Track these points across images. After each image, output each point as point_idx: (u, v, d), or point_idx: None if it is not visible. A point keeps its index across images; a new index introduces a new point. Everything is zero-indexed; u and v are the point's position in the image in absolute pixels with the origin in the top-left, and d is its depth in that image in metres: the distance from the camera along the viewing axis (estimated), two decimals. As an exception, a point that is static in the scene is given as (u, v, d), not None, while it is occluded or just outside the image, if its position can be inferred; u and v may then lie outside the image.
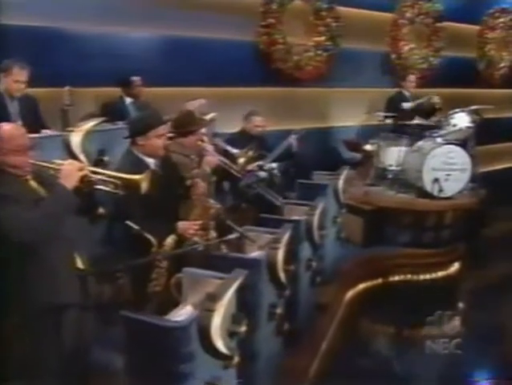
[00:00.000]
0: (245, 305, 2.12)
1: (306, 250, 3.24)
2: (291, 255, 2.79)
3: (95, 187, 2.01)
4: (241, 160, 3.35)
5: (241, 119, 4.48)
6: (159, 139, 2.48)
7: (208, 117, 4.02)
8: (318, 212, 3.37)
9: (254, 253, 2.52)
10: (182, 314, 1.90)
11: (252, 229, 2.82)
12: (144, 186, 2.03)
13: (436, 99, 5.46)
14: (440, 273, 4.70)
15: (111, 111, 4.04)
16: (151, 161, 2.51)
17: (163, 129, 2.54)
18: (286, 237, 2.69)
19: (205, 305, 1.74)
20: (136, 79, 4.28)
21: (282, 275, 2.57)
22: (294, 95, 5.61)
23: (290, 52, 5.41)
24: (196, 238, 2.53)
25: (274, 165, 4.40)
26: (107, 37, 4.39)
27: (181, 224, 2.53)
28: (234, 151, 3.39)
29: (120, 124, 3.45)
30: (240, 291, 2.02)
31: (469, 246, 5.00)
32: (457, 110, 5.10)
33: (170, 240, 2.33)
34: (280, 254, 2.55)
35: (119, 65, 4.26)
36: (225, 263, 2.30)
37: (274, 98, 5.41)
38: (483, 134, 5.27)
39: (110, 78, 4.16)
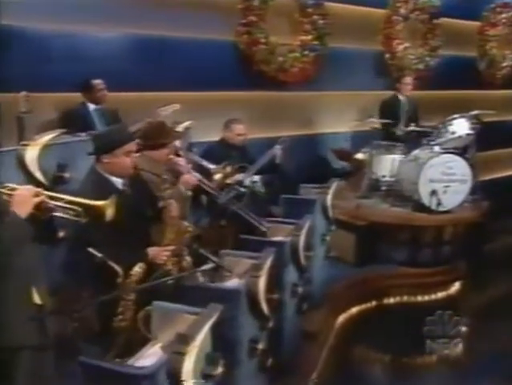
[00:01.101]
0: (223, 341, 2.10)
1: (291, 275, 3.24)
2: (274, 282, 2.78)
3: (53, 214, 1.98)
4: (218, 176, 3.35)
5: (220, 127, 4.52)
6: (127, 156, 2.47)
7: (182, 126, 4.06)
8: (304, 231, 3.38)
9: (233, 283, 2.50)
10: (150, 354, 1.88)
11: (230, 253, 2.82)
12: (110, 213, 2.00)
13: None
14: (440, 294, 4.75)
15: (73, 119, 4.02)
16: (118, 181, 2.49)
17: (131, 146, 2.52)
18: (268, 263, 2.68)
19: (175, 347, 1.72)
20: (98, 82, 4.24)
21: (264, 306, 2.56)
22: (279, 100, 5.62)
23: (274, 53, 5.42)
24: (168, 265, 2.52)
25: (257, 178, 4.47)
26: (68, 36, 4.33)
27: (152, 250, 2.51)
28: (210, 166, 3.39)
29: (83, 135, 3.42)
30: (216, 326, 2.00)
31: (470, 264, 5.05)
32: (455, 116, 5.15)
33: (138, 268, 2.31)
34: (262, 283, 2.54)
35: (82, 68, 4.23)
36: (200, 294, 2.28)
37: (256, 103, 5.42)
38: (484, 139, 5.35)
39: (71, 82, 4.13)
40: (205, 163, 3.50)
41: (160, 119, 3.50)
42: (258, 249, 2.88)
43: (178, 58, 4.86)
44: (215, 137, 4.61)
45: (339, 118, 6.10)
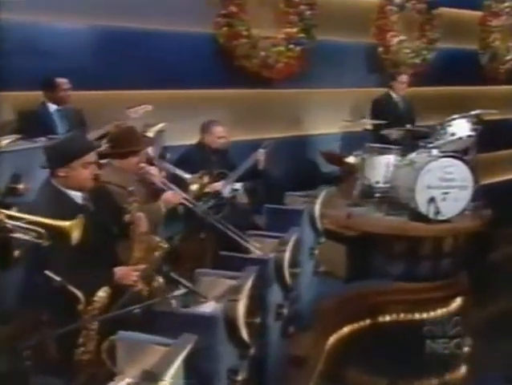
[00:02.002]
0: (198, 374, 2.07)
1: (275, 295, 3.20)
2: (256, 304, 2.75)
3: (10, 235, 1.94)
4: (195, 187, 3.33)
5: (197, 129, 4.52)
6: (86, 168, 2.44)
7: (154, 129, 4.06)
8: (290, 246, 3.35)
9: (209, 307, 2.47)
10: (116, 392, 1.84)
11: (207, 273, 2.77)
12: (76, 235, 1.97)
13: None
14: (440, 311, 4.75)
15: (32, 122, 3.96)
16: (77, 195, 2.45)
17: (90, 156, 2.49)
18: (249, 284, 2.64)
19: (141, 385, 1.69)
20: (62, 81, 4.18)
21: (244, 332, 2.52)
22: (262, 99, 5.62)
23: (256, 47, 5.40)
24: (138, 287, 2.48)
25: (239, 186, 4.53)
26: (27, 28, 4.25)
27: (119, 271, 2.48)
28: (186, 176, 3.37)
29: (43, 140, 3.36)
30: (190, 357, 1.97)
31: (473, 277, 5.10)
32: (455, 116, 5.17)
33: (102, 293, 2.27)
34: (241, 306, 2.50)
35: (42, 63, 4.16)
36: (172, 321, 2.23)
37: (237, 102, 5.41)
38: (486, 139, 5.39)
39: (30, 79, 4.06)
40: (179, 172, 3.47)
41: (129, 123, 3.45)
42: (239, 266, 2.84)
43: (150, 53, 4.82)
44: (192, 141, 4.61)
45: (329, 118, 6.09)
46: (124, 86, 4.52)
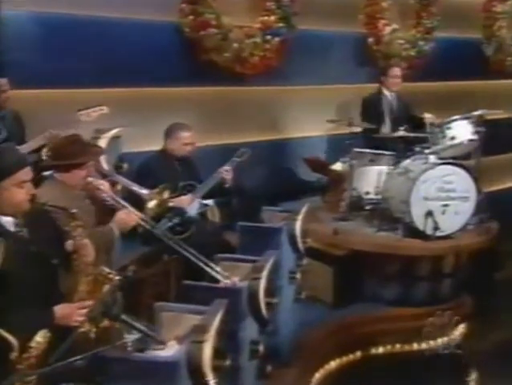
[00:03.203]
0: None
1: (249, 330, 3.18)
2: (226, 343, 2.73)
3: None
4: (152, 204, 3.28)
5: (160, 134, 4.51)
6: (20, 187, 2.38)
7: (108, 135, 4.06)
8: (266, 272, 3.32)
9: (170, 351, 2.42)
10: None
11: (168, 308, 2.73)
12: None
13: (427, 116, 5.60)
14: (441, 341, 4.77)
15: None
16: (8, 220, 2.39)
17: (25, 173, 2.43)
18: (217, 320, 2.60)
19: None
20: (1, 81, 4.10)
21: (211, 378, 2.48)
22: (235, 98, 5.62)
23: (228, 38, 5.38)
24: (85, 327, 2.42)
25: (210, 201, 4.59)
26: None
27: (61, 310, 2.43)
28: (143, 191, 3.33)
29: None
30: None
31: (478, 301, 5.11)
32: (455, 117, 5.19)
33: (40, 338, 2.20)
34: (208, 349, 2.46)
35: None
36: (126, 369, 2.20)
37: (206, 102, 5.41)
38: (492, 141, 5.41)
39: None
40: (135, 187, 3.42)
41: (74, 130, 3.39)
42: (207, 298, 2.80)
43: (104, 45, 4.78)
44: (154, 147, 4.60)
45: (312, 119, 6.10)
46: (74, 84, 4.47)
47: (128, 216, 3.10)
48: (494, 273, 5.59)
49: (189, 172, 4.51)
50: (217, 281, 3.30)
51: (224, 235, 4.63)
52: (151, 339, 2.25)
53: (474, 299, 5.14)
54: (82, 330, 2.41)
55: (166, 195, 3.44)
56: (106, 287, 2.51)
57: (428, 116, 5.68)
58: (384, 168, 5.28)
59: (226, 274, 3.18)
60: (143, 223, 3.25)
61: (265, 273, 3.30)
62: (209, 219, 4.62)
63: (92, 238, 2.64)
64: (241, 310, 3.07)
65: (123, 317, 2.13)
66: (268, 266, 3.36)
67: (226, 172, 4.52)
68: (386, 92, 5.91)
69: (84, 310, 2.43)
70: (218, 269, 3.22)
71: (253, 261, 3.39)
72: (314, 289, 4.79)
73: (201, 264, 3.20)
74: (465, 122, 5.18)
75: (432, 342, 4.73)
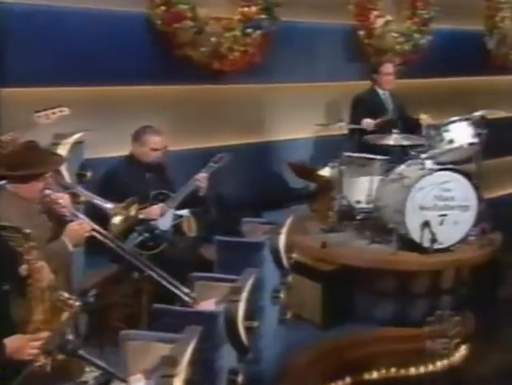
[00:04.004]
0: None
1: (227, 359, 3.15)
2: (201, 375, 2.69)
3: None
4: (118, 220, 3.25)
5: (128, 137, 4.49)
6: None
7: (70, 140, 4.03)
8: (245, 294, 3.30)
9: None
10: None
11: (135, 336, 2.68)
12: None
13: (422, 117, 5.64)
14: (440, 364, 4.76)
15: None
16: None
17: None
18: (189, 352, 2.57)
19: None
20: None
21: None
22: (213, 97, 5.61)
23: (204, 31, 5.36)
24: (40, 361, 2.37)
25: (184, 212, 4.55)
26: None
27: (12, 343, 2.39)
28: (107, 206, 3.30)
29: None
30: None
31: (480, 319, 5.10)
32: (454, 118, 5.20)
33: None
34: (178, 383, 2.42)
35: None
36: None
37: (180, 102, 5.39)
38: (494, 142, 5.39)
39: None
40: (99, 201, 3.39)
41: (29, 135, 3.35)
42: (179, 323, 2.77)
43: (63, 39, 4.72)
44: (121, 152, 4.58)
45: (298, 120, 6.11)
46: (30, 81, 4.41)
47: (80, 226, 3.05)
48: (498, 288, 5.58)
49: (161, 180, 4.49)
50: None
51: (200, 249, 4.61)
52: (111, 377, 2.21)
53: (476, 317, 5.13)
54: (37, 363, 2.38)
55: (133, 210, 3.39)
56: (65, 315, 2.45)
57: (424, 117, 5.71)
58: (377, 175, 5.27)
59: (193, 295, 3.17)
60: (98, 235, 3.20)
61: (244, 295, 3.27)
62: (183, 232, 4.58)
63: (48, 257, 2.59)
64: (218, 337, 3.04)
65: (81, 352, 2.08)
66: (248, 286, 3.34)
67: (202, 180, 4.49)
68: (378, 91, 5.92)
69: (39, 342, 2.39)
70: (186, 290, 3.18)
71: (232, 281, 3.35)
72: (300, 308, 4.81)
73: (168, 285, 3.14)
74: (464, 124, 5.19)
75: (430, 366, 4.72)
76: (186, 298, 3.18)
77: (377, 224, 5.24)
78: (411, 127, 5.81)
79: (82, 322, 3.54)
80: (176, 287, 3.23)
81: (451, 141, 5.13)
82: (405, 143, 5.42)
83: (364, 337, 4.87)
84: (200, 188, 4.49)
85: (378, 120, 5.62)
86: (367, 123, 5.61)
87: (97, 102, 4.78)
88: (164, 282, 3.24)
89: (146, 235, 3.92)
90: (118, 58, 4.90)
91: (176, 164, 4.91)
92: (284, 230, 4.18)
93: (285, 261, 4.14)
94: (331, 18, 6.29)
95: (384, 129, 5.55)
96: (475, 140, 5.19)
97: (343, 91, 6.22)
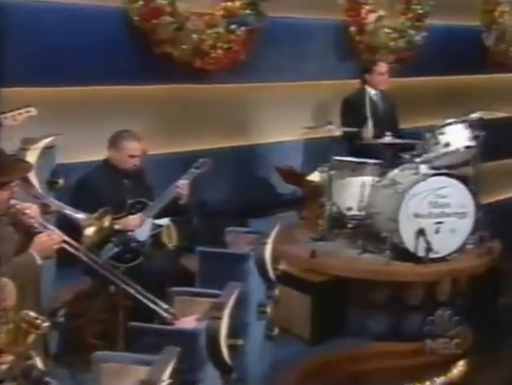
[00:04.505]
0: None
1: (209, 381, 3.13)
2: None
3: None
4: (91, 231, 3.21)
5: (104, 141, 4.44)
6: None
7: (40, 145, 3.95)
8: (228, 310, 3.28)
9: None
10: None
11: (110, 358, 2.66)
12: None
13: None
14: (438, 381, 4.77)
15: None
16: None
17: None
18: (167, 374, 2.54)
19: None
20: None
21: None
22: (195, 98, 5.59)
23: (185, 28, 5.33)
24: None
25: (164, 221, 4.49)
26: None
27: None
28: (79, 216, 3.25)
29: None
30: None
31: (479, 333, 5.10)
32: (449, 120, 5.21)
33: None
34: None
35: None
36: None
37: (160, 103, 5.38)
38: (493, 143, 5.44)
39: None
40: (70, 211, 3.35)
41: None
42: (157, 343, 2.77)
43: (36, 34, 4.65)
44: (96, 157, 4.54)
45: (285, 121, 6.10)
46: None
47: (49, 238, 3.00)
48: (498, 299, 5.58)
49: (139, 187, 4.44)
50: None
51: (182, 260, 4.60)
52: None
53: (475, 330, 5.12)
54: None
55: (107, 221, 3.35)
56: (31, 337, 2.40)
57: None
58: (369, 180, 5.28)
59: (173, 311, 3.15)
60: (69, 248, 3.16)
61: (227, 311, 3.26)
62: (163, 242, 4.54)
63: (12, 271, 2.56)
64: (199, 357, 3.03)
65: (48, 380, 2.03)
66: (231, 302, 3.33)
67: (183, 187, 4.45)
68: (370, 91, 5.92)
69: (2, 367, 2.34)
70: (165, 306, 3.14)
71: (214, 296, 3.34)
72: (288, 322, 4.82)
73: (145, 300, 3.11)
74: (461, 126, 5.21)
75: (427, 383, 4.73)
76: (165, 315, 3.12)
77: (369, 232, 5.24)
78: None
79: (52, 339, 3.49)
80: (153, 303, 3.19)
81: (447, 144, 5.14)
82: (398, 142, 5.41)
83: (356, 352, 4.87)
84: (181, 196, 4.44)
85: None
86: None
87: (70, 103, 4.74)
88: (141, 298, 3.18)
89: (122, 246, 3.91)
90: (92, 56, 4.85)
91: (155, 169, 4.88)
92: (270, 240, 4.20)
93: (271, 273, 4.15)
94: (320, 13, 6.27)
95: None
96: (472, 143, 5.19)
97: (334, 90, 6.22)
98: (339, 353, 4.81)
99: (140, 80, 5.18)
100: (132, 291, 3.25)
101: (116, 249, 3.88)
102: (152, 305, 3.19)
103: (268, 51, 5.89)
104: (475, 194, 5.15)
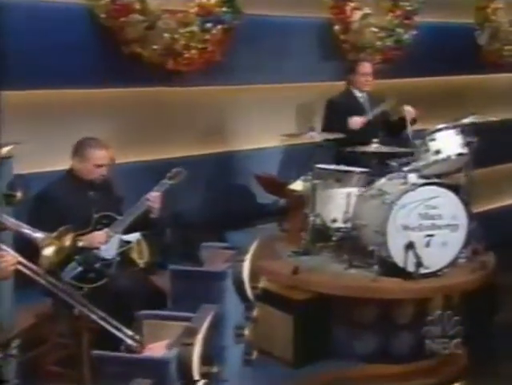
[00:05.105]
0: None
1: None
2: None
3: None
4: (50, 252, 3.15)
5: (68, 150, 4.40)
6: None
7: None
8: (202, 335, 3.20)
9: None
10: None
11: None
12: None
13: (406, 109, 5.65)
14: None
15: None
16: None
17: None
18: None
19: None
20: None
21: None
22: (167, 101, 5.57)
23: (156, 27, 5.29)
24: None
25: (133, 236, 4.45)
26: None
27: None
28: (37, 235, 3.19)
29: None
30: None
31: (474, 353, 5.10)
32: (440, 126, 5.23)
33: None
34: None
35: None
36: None
37: (129, 107, 5.34)
38: (487, 148, 5.46)
39: None
40: (26, 230, 3.27)
41: None
42: (124, 373, 2.74)
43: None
44: (59, 166, 4.50)
45: (265, 126, 6.09)
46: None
47: (3, 260, 2.95)
48: (494, 316, 5.60)
49: (106, 200, 4.39)
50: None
51: (153, 279, 4.50)
52: None
53: (470, 351, 5.11)
54: None
55: (68, 240, 3.28)
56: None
57: (407, 110, 5.74)
58: (355, 190, 5.29)
59: (139, 339, 3.09)
60: (25, 270, 3.10)
61: (200, 336, 3.18)
62: (133, 260, 4.51)
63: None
64: (168, 387, 2.99)
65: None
66: (205, 326, 3.25)
67: (154, 200, 4.40)
68: (355, 93, 5.94)
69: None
70: (130, 333, 3.11)
71: (186, 319, 3.27)
72: (269, 345, 4.80)
73: (109, 326, 3.05)
74: (452, 132, 5.23)
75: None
76: (130, 342, 3.06)
77: (355, 246, 5.24)
78: (394, 131, 5.88)
79: (10, 367, 3.42)
80: (118, 329, 3.11)
81: (437, 152, 5.16)
82: (386, 150, 5.45)
83: (343, 375, 4.87)
84: (152, 209, 4.39)
85: (365, 119, 5.67)
86: (354, 121, 5.65)
87: (30, 108, 4.69)
88: (104, 324, 3.11)
89: (86, 266, 3.85)
90: (54, 57, 4.79)
91: (125, 179, 4.84)
92: (248, 257, 4.11)
93: (249, 293, 4.07)
94: (302, 10, 6.27)
95: (366, 134, 5.58)
96: (464, 150, 5.22)
97: (317, 92, 6.24)
98: (324, 376, 4.80)
99: (107, 83, 5.14)
100: (94, 317, 3.16)
101: (79, 269, 3.81)
102: (116, 332, 3.11)
103: (246, 51, 5.88)
104: (468, 204, 5.17)
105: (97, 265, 4.07)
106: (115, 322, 3.15)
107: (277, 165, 6.30)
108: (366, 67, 5.95)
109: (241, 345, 4.00)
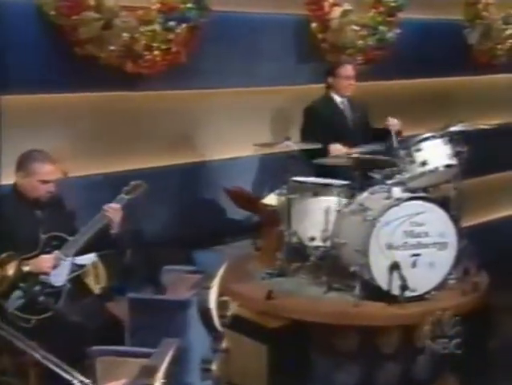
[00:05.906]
0: None
1: None
2: None
3: None
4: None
5: (13, 164, 4.33)
6: None
7: None
8: (162, 373, 3.08)
9: None
10: None
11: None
12: None
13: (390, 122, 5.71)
14: None
15: None
16: None
17: None
18: None
19: None
20: None
21: None
22: (127, 107, 5.53)
23: (113, 25, 5.23)
24: None
25: (88, 257, 4.35)
26: None
27: None
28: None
29: None
30: None
31: (466, 381, 5.14)
32: (426, 135, 5.26)
33: None
34: None
35: None
36: None
37: (83, 114, 5.30)
38: (478, 156, 5.50)
39: None
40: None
41: None
42: None
43: None
44: (4, 181, 4.50)
45: (236, 134, 6.08)
46: None
47: None
48: (488, 341, 5.59)
49: (56, 219, 4.29)
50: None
51: (109, 307, 4.47)
52: None
53: (462, 379, 5.19)
54: None
55: (11, 268, 3.21)
56: None
57: (392, 123, 5.75)
58: (334, 205, 5.30)
59: (88, 383, 3.00)
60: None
61: (160, 375, 3.06)
62: (87, 285, 4.44)
63: None
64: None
65: None
66: (166, 362, 3.15)
67: (113, 212, 4.33)
68: (335, 98, 5.93)
69: None
70: (81, 378, 3.00)
71: (145, 355, 3.20)
72: (241, 377, 4.79)
73: (56, 368, 2.96)
74: (439, 141, 5.26)
75: None
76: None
77: (335, 266, 5.24)
78: (377, 140, 5.83)
79: None
80: (66, 371, 3.01)
81: (424, 163, 5.20)
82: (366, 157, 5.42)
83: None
84: (111, 223, 4.31)
85: (349, 149, 5.60)
86: (337, 150, 5.59)
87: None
88: (51, 365, 3.01)
89: (32, 295, 3.76)
90: (4, 58, 4.74)
91: (81, 194, 4.83)
92: (216, 282, 4.04)
93: (217, 322, 4.01)
94: (276, 6, 6.28)
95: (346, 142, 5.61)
96: (453, 161, 5.25)
97: (294, 96, 6.26)
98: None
99: (58, 88, 5.08)
100: (37, 356, 3.06)
101: (24, 299, 3.71)
102: (64, 375, 3.01)
103: (214, 52, 5.87)
104: (457, 220, 5.19)
105: (41, 298, 3.95)
106: (61, 363, 3.06)
107: (249, 177, 6.30)
108: (348, 70, 5.94)
109: (209, 381, 3.95)
